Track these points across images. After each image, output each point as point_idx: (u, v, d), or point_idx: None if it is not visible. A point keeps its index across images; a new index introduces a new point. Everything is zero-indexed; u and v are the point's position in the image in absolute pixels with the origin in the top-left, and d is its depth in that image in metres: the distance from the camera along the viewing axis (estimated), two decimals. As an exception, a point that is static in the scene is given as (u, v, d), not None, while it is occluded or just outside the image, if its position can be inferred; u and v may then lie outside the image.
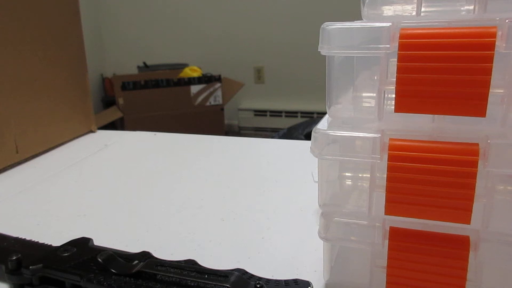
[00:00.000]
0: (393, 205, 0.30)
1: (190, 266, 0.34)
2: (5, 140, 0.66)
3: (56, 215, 0.53)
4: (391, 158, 0.29)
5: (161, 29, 3.20)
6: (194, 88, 2.61)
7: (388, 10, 0.31)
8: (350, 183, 0.37)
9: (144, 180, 0.63)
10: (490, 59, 0.26)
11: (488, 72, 0.26)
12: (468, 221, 0.28)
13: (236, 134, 3.12)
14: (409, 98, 0.28)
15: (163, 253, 0.38)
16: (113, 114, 2.62)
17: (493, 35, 0.26)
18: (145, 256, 0.37)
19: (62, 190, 0.61)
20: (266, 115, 3.10)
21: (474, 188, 0.28)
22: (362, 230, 0.32)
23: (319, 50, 0.31)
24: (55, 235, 0.47)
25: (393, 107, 0.29)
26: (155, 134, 0.84)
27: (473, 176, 0.27)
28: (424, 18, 0.29)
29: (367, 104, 0.34)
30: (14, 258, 0.36)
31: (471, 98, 0.27)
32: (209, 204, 0.54)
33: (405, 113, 0.29)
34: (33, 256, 0.37)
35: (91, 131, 0.85)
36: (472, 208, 0.28)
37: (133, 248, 0.40)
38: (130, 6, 3.23)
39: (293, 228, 0.48)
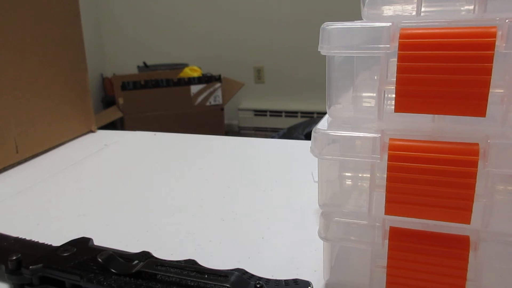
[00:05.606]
0: (393, 205, 0.30)
1: (190, 266, 0.34)
2: (5, 140, 0.66)
3: (56, 215, 0.53)
4: (391, 158, 0.29)
5: (161, 29, 3.20)
6: (194, 88, 2.61)
7: (388, 10, 0.31)
8: (350, 183, 0.37)
9: (144, 180, 0.63)
10: (490, 59, 0.26)
11: (488, 72, 0.26)
12: (468, 221, 0.28)
13: (236, 134, 3.12)
14: (409, 98, 0.28)
15: (163, 253, 0.38)
16: (113, 114, 2.62)
17: (493, 35, 0.26)
18: (145, 256, 0.37)
19: (62, 190, 0.61)
20: (266, 115, 3.10)
21: (474, 188, 0.28)
22: (362, 230, 0.32)
23: (319, 50, 0.31)
24: (55, 235, 0.47)
25: (393, 107, 0.29)
26: (155, 134, 0.84)
27: (473, 176, 0.27)
28: (424, 18, 0.29)
29: (367, 104, 0.34)
30: (14, 258, 0.36)
31: (471, 98, 0.27)
32: (209, 204, 0.54)
33: (405, 113, 0.29)
34: (33, 256, 0.37)
35: (91, 131, 0.85)
36: (472, 208, 0.28)
37: (133, 248, 0.40)
38: (130, 6, 3.23)
39: (293, 228, 0.48)
